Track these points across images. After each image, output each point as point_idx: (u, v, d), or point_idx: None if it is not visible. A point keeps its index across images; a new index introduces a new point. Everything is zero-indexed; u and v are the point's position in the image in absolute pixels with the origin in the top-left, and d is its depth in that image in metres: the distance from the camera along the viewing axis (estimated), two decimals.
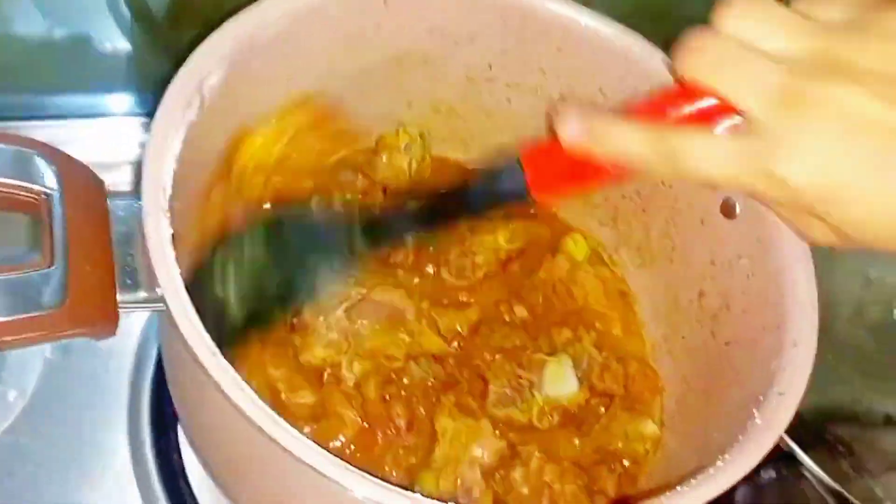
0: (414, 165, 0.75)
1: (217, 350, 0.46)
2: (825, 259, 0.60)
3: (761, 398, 0.54)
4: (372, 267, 0.68)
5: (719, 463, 0.50)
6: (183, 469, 0.70)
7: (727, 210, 0.66)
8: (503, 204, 0.60)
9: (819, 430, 0.85)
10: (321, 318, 0.64)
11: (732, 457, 0.50)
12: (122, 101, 0.87)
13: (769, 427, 0.52)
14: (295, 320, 0.64)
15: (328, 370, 0.63)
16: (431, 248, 0.72)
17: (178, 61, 0.58)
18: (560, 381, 0.64)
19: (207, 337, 0.46)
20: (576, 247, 0.75)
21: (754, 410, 0.53)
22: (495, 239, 0.73)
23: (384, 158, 0.75)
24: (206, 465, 0.61)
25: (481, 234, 0.73)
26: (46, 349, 0.73)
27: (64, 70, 0.83)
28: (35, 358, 0.73)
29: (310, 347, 0.63)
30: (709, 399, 0.64)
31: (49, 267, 0.45)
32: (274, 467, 0.48)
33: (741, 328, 0.63)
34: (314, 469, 0.43)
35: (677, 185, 0.71)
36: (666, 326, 0.73)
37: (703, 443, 0.61)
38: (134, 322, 0.75)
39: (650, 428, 0.66)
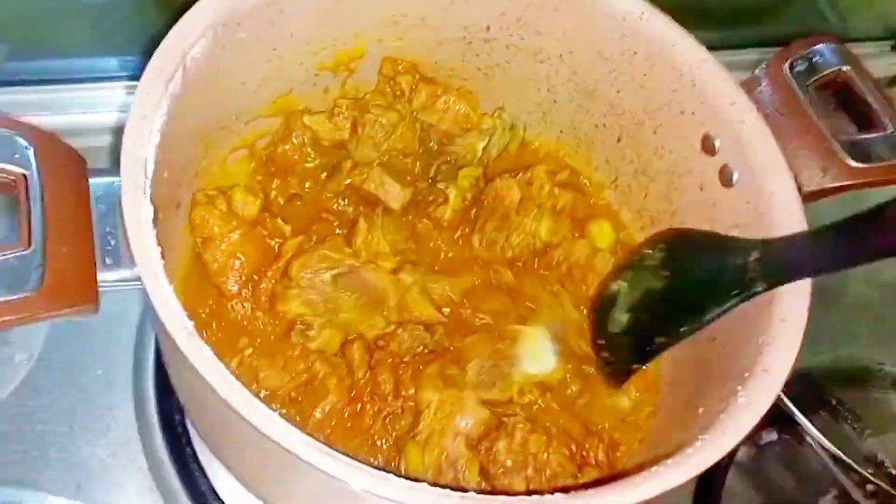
0: (493, 152, 0.75)
1: (193, 329, 0.46)
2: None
3: (746, 375, 0.54)
4: (395, 226, 0.70)
5: (697, 443, 0.49)
6: (186, 428, 0.72)
7: (725, 178, 0.65)
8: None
9: (824, 392, 0.85)
10: (307, 274, 0.64)
11: (712, 436, 0.50)
12: (106, 64, 0.86)
13: (751, 405, 0.51)
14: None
15: (298, 325, 0.64)
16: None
17: (171, 20, 0.58)
18: (537, 358, 0.64)
19: (183, 316, 0.46)
20: (601, 233, 0.73)
21: (738, 388, 0.53)
22: (538, 227, 0.72)
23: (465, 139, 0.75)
24: (197, 430, 0.63)
25: (524, 216, 0.72)
26: None
27: (48, 31, 0.82)
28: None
29: (288, 300, 0.64)
30: (697, 372, 0.64)
31: (26, 249, 0.46)
32: (253, 445, 0.49)
33: None
34: (284, 448, 0.44)
35: (676, 149, 0.69)
36: None
37: (691, 417, 0.61)
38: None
39: (623, 402, 0.66)
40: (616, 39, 0.68)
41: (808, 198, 0.63)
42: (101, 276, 0.49)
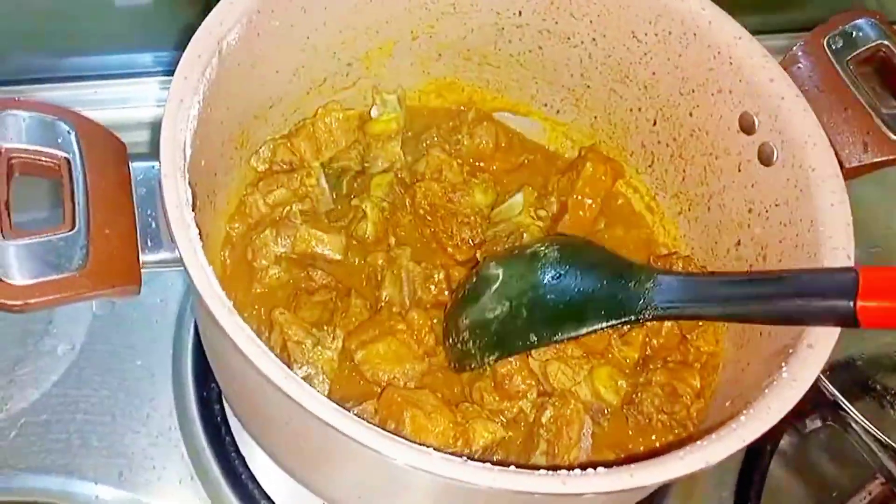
0: (394, 126, 0.74)
1: (232, 308, 0.46)
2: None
3: (791, 350, 0.53)
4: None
5: (742, 418, 0.49)
6: (225, 417, 0.72)
7: (764, 156, 0.64)
8: (809, 319, 0.52)
9: (867, 379, 0.83)
10: None
11: (756, 411, 0.49)
12: (141, 60, 0.87)
13: (795, 380, 0.50)
14: None
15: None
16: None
17: (202, 14, 0.59)
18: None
19: (223, 295, 0.47)
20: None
21: (782, 363, 0.52)
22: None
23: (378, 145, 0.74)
24: (238, 417, 0.63)
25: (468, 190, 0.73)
26: (94, 304, 0.76)
27: (83, 29, 0.84)
28: (83, 313, 0.76)
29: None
30: (742, 352, 0.63)
31: (71, 230, 0.46)
32: (293, 422, 0.49)
33: None
34: (325, 422, 0.44)
35: (713, 129, 0.68)
36: (699, 268, 0.72)
37: (737, 391, 0.60)
38: (177, 276, 0.78)
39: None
40: (650, 20, 0.68)
41: (850, 174, 0.62)
42: (142, 257, 0.49)
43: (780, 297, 0.54)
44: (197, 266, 0.47)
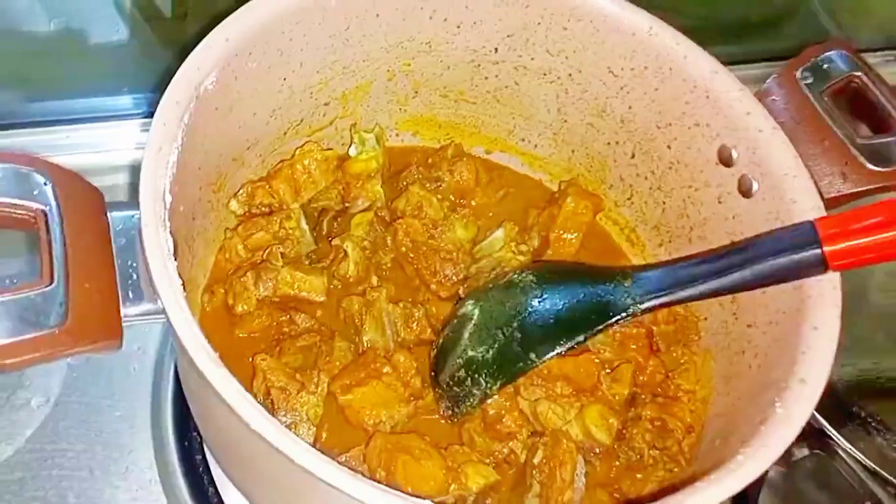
0: (374, 165, 0.74)
1: (218, 359, 0.45)
2: None
3: (783, 384, 0.53)
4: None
5: (739, 457, 0.48)
6: (208, 467, 0.70)
7: (744, 188, 0.64)
8: (786, 276, 0.55)
9: (852, 406, 0.83)
10: None
11: (753, 449, 0.49)
12: (119, 103, 0.86)
13: (790, 416, 0.50)
14: None
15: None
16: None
17: (179, 55, 0.58)
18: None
19: (208, 346, 0.46)
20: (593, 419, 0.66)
21: (775, 399, 0.52)
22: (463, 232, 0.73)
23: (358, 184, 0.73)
24: (223, 468, 0.61)
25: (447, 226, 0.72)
26: None
27: (58, 72, 0.83)
28: (58, 362, 0.73)
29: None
30: (731, 385, 0.63)
31: (49, 285, 0.45)
32: (284, 476, 0.48)
33: (761, 311, 0.62)
34: (325, 481, 0.43)
35: (692, 162, 0.69)
36: (682, 307, 0.71)
37: (729, 426, 0.60)
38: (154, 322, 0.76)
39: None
40: (625, 55, 0.68)
41: (830, 204, 0.63)
42: (123, 310, 0.48)
43: (753, 261, 0.55)
44: (181, 320, 0.46)
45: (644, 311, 0.60)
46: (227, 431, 0.52)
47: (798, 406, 0.51)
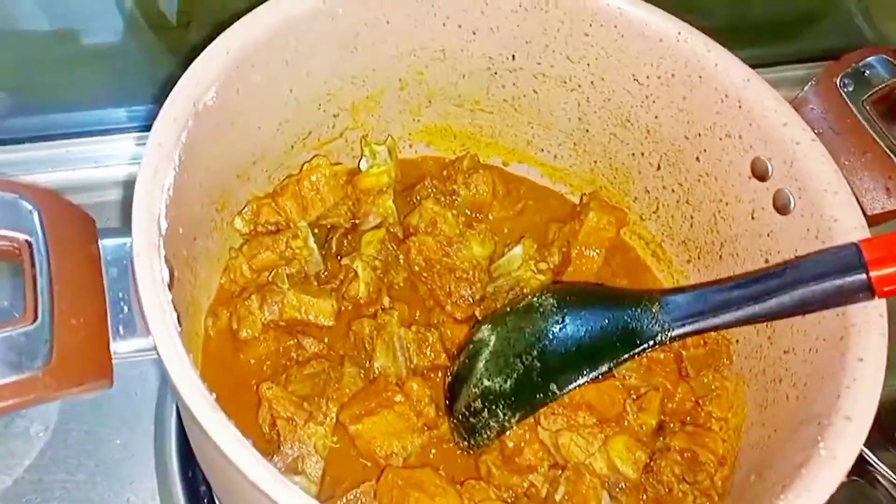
0: (386, 179, 0.70)
1: (215, 403, 0.42)
2: None
3: (825, 421, 0.49)
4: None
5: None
6: (213, 499, 0.67)
7: (780, 204, 0.60)
8: (829, 303, 0.51)
9: (894, 430, 0.79)
10: None
11: (794, 496, 0.45)
12: (115, 116, 0.82)
13: (835, 458, 0.46)
14: None
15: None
16: None
17: (178, 65, 0.55)
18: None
19: (204, 389, 0.42)
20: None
21: (818, 437, 0.48)
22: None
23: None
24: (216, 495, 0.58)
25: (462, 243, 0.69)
26: None
27: (54, 83, 0.79)
28: None
29: None
30: (766, 414, 0.59)
31: (33, 323, 0.42)
32: None
33: (799, 337, 0.57)
34: None
35: (722, 175, 0.65)
36: None
37: (765, 460, 0.56)
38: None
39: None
40: (652, 63, 0.64)
41: (873, 221, 0.59)
42: (114, 347, 0.45)
43: (793, 286, 0.52)
44: (174, 357, 0.42)
45: (673, 339, 0.56)
46: (226, 476, 0.48)
47: (843, 446, 0.47)
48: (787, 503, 0.44)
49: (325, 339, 0.64)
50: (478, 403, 0.59)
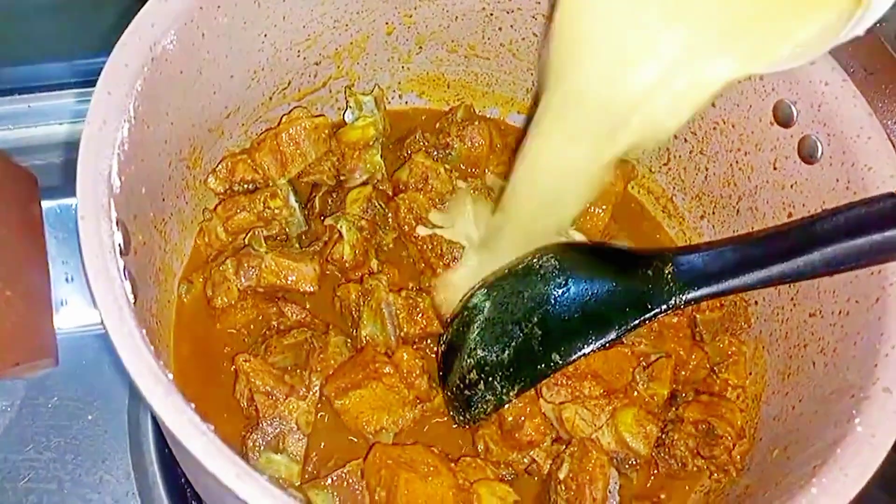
0: (373, 132, 0.64)
1: (171, 385, 0.37)
2: None
3: (861, 394, 0.44)
4: None
5: (812, 490, 0.39)
6: (189, 480, 0.62)
7: (806, 152, 0.54)
8: (863, 261, 0.47)
9: None
10: None
11: (829, 479, 0.40)
12: (54, 70, 0.75)
13: (873, 438, 0.41)
14: None
15: None
16: None
17: (132, 14, 0.49)
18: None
19: (158, 369, 0.37)
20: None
21: (853, 411, 0.43)
22: None
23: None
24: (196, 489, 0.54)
25: None
26: None
27: None
28: None
29: None
30: (789, 383, 0.54)
31: None
32: None
33: (828, 297, 0.52)
34: None
35: (741, 121, 0.59)
36: None
37: (790, 434, 0.51)
38: None
39: None
40: None
41: None
42: (58, 321, 0.40)
43: (823, 243, 0.46)
44: (123, 333, 0.37)
45: (688, 303, 0.51)
46: (187, 458, 0.43)
47: (883, 423, 0.42)
48: (821, 488, 0.39)
49: (308, 306, 0.60)
50: (473, 375, 0.54)
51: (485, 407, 0.54)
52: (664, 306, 0.51)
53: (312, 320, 0.59)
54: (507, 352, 0.53)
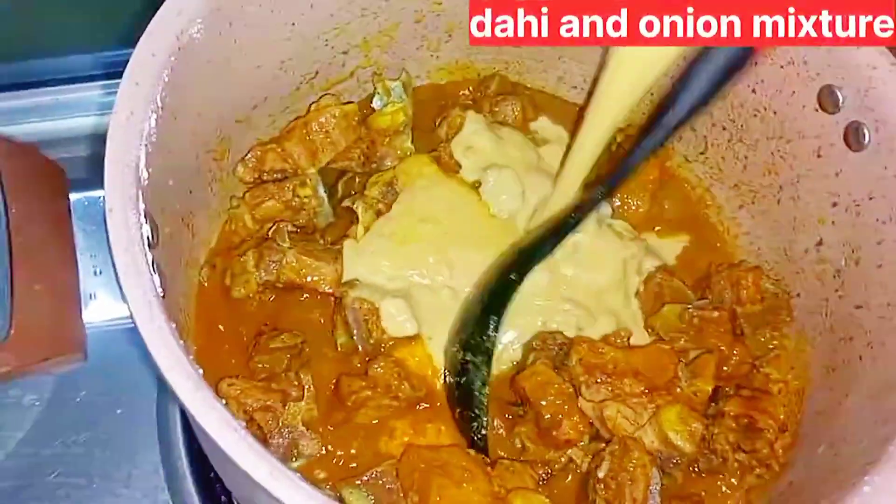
0: (402, 118, 0.63)
1: (200, 380, 0.36)
2: None
3: None
4: None
5: (865, 489, 0.38)
6: (218, 475, 0.62)
7: (853, 139, 0.53)
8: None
9: None
10: None
11: (882, 479, 0.38)
12: (80, 62, 0.74)
13: None
14: None
15: None
16: None
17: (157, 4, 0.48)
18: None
19: (188, 364, 0.36)
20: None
21: None
22: None
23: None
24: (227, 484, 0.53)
25: None
26: None
27: (8, 30, 0.71)
28: None
29: None
30: (835, 378, 0.52)
31: None
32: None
33: (876, 288, 0.51)
34: None
35: (783, 108, 0.57)
36: (772, 282, 0.60)
37: (836, 430, 0.49)
38: None
39: None
40: None
41: None
42: (87, 315, 0.39)
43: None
44: (153, 327, 0.37)
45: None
46: (217, 454, 0.43)
47: None
48: (874, 486, 0.38)
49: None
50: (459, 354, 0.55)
51: (479, 402, 0.54)
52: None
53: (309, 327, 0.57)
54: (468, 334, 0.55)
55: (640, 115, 0.62)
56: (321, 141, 0.62)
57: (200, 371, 0.36)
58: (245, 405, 0.50)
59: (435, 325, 0.57)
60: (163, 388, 0.65)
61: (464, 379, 0.54)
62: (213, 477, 0.61)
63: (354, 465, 0.53)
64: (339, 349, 0.56)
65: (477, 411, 0.54)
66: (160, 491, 0.62)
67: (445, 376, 0.55)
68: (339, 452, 0.53)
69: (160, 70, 0.45)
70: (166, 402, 0.64)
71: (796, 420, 0.55)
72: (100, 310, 0.44)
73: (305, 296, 0.58)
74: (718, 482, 0.54)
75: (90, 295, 0.41)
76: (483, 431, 0.53)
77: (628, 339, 0.57)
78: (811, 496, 0.45)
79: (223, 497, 0.61)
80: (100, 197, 0.42)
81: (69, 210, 0.40)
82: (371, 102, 0.65)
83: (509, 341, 0.56)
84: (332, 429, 0.53)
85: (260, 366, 0.53)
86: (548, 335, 0.56)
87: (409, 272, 0.58)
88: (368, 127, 0.63)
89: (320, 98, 0.63)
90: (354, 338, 0.55)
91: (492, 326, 0.55)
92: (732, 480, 0.54)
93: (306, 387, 0.52)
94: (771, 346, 0.58)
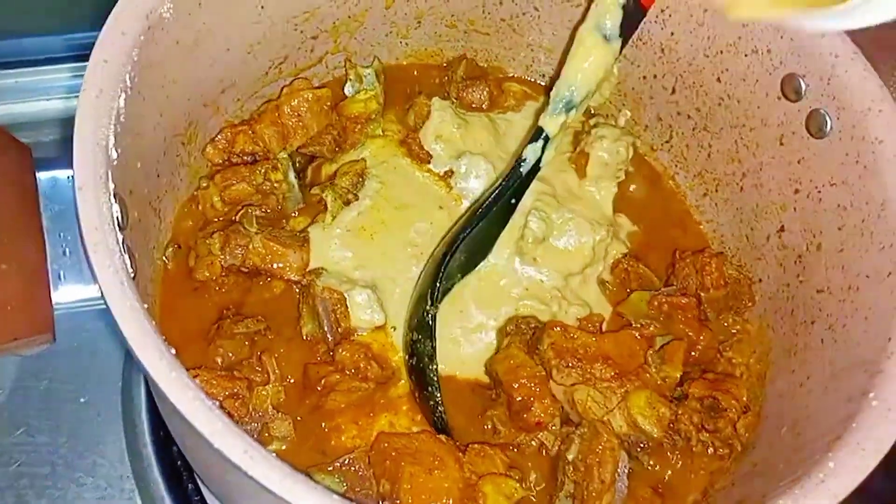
0: (374, 105, 0.63)
1: (174, 360, 0.36)
2: None
3: (874, 368, 0.43)
4: None
5: (829, 464, 0.39)
6: (185, 460, 0.61)
7: (815, 127, 0.54)
8: None
9: None
10: None
11: (845, 453, 0.39)
12: (48, 45, 0.72)
13: (890, 411, 0.41)
14: None
15: None
16: None
17: None
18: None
19: (160, 344, 0.36)
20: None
21: (866, 386, 0.42)
22: None
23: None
24: (201, 479, 0.52)
25: None
26: None
27: None
28: None
29: None
30: (796, 360, 0.53)
31: None
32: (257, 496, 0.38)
33: (836, 272, 0.52)
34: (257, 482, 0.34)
35: (746, 96, 0.58)
36: (735, 268, 0.61)
37: (798, 412, 0.50)
38: None
39: None
40: None
41: None
42: (56, 296, 0.38)
43: None
44: (125, 307, 0.36)
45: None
46: (194, 441, 0.42)
47: None
48: (837, 462, 0.39)
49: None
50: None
51: (428, 359, 0.54)
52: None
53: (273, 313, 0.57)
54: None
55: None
56: (293, 124, 0.61)
57: (173, 351, 0.36)
58: (211, 395, 0.49)
59: (399, 316, 0.57)
60: (128, 375, 0.64)
61: (415, 359, 0.55)
62: (180, 465, 0.60)
63: (325, 451, 0.52)
64: (305, 338, 0.55)
65: (430, 388, 0.54)
66: (125, 479, 0.61)
67: (406, 360, 0.56)
68: (310, 440, 0.53)
69: (129, 48, 0.45)
70: (132, 389, 0.63)
71: (759, 403, 0.56)
72: (68, 292, 0.43)
73: (270, 280, 0.57)
74: (683, 464, 0.55)
75: (58, 275, 0.41)
76: (440, 408, 0.53)
77: (600, 324, 0.57)
78: (775, 475, 0.46)
79: (190, 485, 0.60)
80: (67, 176, 0.42)
81: (36, 188, 0.40)
82: (343, 88, 0.65)
83: (480, 324, 0.57)
84: (300, 419, 0.53)
85: (221, 350, 0.52)
86: (521, 319, 0.56)
87: (376, 263, 0.58)
88: (340, 113, 0.63)
89: (293, 82, 0.62)
90: (324, 327, 0.55)
91: (429, 302, 0.55)
92: (697, 462, 0.55)
93: (271, 370, 0.52)
94: (734, 331, 0.59)
